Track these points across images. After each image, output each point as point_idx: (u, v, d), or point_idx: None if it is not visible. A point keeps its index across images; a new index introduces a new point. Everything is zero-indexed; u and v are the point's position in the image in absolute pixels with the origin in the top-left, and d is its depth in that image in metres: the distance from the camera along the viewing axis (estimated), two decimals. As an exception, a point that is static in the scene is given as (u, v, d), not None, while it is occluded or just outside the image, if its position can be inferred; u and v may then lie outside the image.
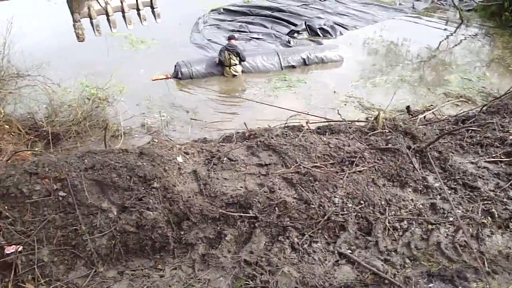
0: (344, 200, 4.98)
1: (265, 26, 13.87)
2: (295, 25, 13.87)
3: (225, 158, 5.10)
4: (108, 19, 7.88)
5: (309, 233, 4.60)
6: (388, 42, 14.01)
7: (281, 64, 11.43)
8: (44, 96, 8.52)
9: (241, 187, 4.78)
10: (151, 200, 4.37)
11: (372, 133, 6.58)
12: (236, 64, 10.93)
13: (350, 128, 6.30)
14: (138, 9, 7.92)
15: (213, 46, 12.45)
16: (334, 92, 10.43)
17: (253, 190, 4.69)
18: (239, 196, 4.56)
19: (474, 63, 12.78)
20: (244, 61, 10.99)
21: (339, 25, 14.39)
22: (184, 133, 8.52)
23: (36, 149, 6.94)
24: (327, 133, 6.01)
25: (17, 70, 8.05)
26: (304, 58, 11.64)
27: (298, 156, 5.25)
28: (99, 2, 7.64)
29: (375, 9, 16.49)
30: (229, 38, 11.13)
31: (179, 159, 4.85)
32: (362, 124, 7.59)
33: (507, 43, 14.34)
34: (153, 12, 8.10)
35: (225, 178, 4.84)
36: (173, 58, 11.35)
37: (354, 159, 5.48)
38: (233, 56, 10.79)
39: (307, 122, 6.78)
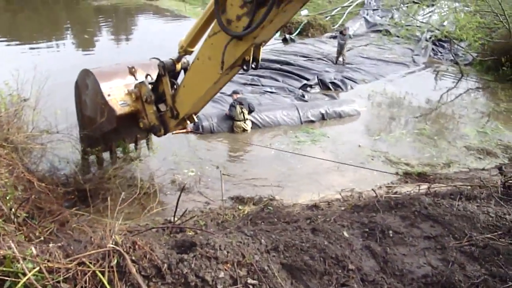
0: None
1: (276, 80, 14.40)
2: (306, 79, 14.48)
3: (391, 231, 5.11)
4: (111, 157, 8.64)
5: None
6: (398, 96, 14.74)
7: (300, 118, 11.82)
8: (69, 152, 8.47)
9: (425, 263, 4.72)
10: (355, 285, 4.20)
11: None
12: (247, 119, 11.21)
13: (481, 194, 6.37)
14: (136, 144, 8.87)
15: (226, 99, 12.74)
16: (359, 146, 10.81)
17: (442, 269, 4.60)
18: (436, 275, 4.48)
19: (483, 116, 13.50)
20: (253, 111, 11.28)
21: (349, 79, 15.03)
22: (217, 190, 8.54)
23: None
24: (462, 199, 6.10)
25: (48, 125, 8.05)
26: (322, 113, 12.10)
27: (464, 227, 5.28)
28: None
29: (379, 63, 17.40)
30: (234, 93, 11.51)
31: (345, 233, 4.87)
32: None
33: (510, 96, 15.32)
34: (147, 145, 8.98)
35: (403, 254, 4.80)
36: (188, 112, 11.59)
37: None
38: (245, 110, 11.07)
39: (428, 187, 6.90)
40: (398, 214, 5.63)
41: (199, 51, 5.74)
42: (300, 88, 14.03)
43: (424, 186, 7.28)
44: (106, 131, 7.38)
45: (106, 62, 16.27)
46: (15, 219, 5.19)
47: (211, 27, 5.35)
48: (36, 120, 7.92)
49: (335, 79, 14.74)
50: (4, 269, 3.15)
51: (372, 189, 7.54)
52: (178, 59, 6.41)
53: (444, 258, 4.77)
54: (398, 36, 20.65)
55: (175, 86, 6.53)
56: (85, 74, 7.26)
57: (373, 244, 4.88)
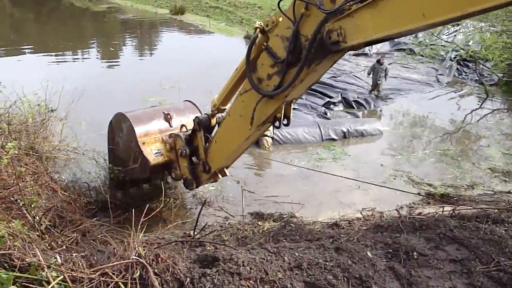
0: None
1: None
2: (329, 96, 14.45)
3: (415, 253, 5.07)
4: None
5: None
6: (422, 116, 14.63)
7: (322, 136, 11.79)
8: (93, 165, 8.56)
9: (450, 287, 4.67)
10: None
11: None
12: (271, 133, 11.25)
13: (509, 217, 6.25)
14: None
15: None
16: (381, 165, 10.72)
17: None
18: None
19: (509, 137, 13.27)
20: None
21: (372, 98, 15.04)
22: (237, 205, 8.54)
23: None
24: (489, 222, 5.99)
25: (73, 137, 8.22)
26: (344, 131, 12.06)
27: (491, 251, 5.21)
28: None
29: (403, 82, 17.34)
30: None
31: (369, 253, 4.87)
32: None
33: (537, 118, 15.06)
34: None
35: (428, 277, 4.75)
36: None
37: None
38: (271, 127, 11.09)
39: (453, 209, 6.85)
40: (422, 235, 5.55)
41: (230, 108, 5.84)
42: (323, 105, 14.03)
43: (447, 208, 7.17)
44: (138, 177, 7.48)
45: (130, 75, 16.70)
46: (39, 227, 5.27)
47: (242, 85, 5.45)
48: (61, 130, 8.14)
49: (358, 97, 14.71)
50: (29, 276, 3.19)
51: (396, 209, 7.46)
52: (213, 115, 6.48)
53: (470, 282, 4.69)
54: (422, 55, 20.55)
55: (209, 140, 6.59)
56: (121, 118, 7.31)
57: (397, 265, 4.83)
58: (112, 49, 22.77)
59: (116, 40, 25.02)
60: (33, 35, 25.36)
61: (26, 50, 20.67)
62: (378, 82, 15.67)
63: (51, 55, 19.87)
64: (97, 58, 21.08)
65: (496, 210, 6.65)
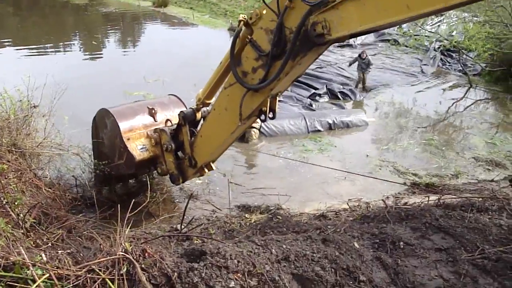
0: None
1: (284, 88, 14.40)
2: (315, 88, 14.47)
3: (401, 243, 5.11)
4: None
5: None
6: (406, 106, 14.78)
7: (307, 128, 11.83)
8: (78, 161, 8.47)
9: (436, 276, 4.69)
10: (367, 296, 4.26)
11: None
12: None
13: (493, 206, 6.36)
14: None
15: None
16: (367, 156, 10.79)
17: (454, 282, 4.59)
18: None
19: (492, 127, 13.46)
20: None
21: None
22: (224, 198, 8.55)
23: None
24: (474, 211, 6.08)
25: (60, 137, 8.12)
26: (330, 123, 12.10)
27: (476, 239, 5.26)
28: None
29: (387, 73, 17.46)
30: None
31: (356, 244, 4.89)
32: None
33: (520, 107, 15.28)
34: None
35: (415, 266, 4.78)
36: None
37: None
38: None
39: (439, 199, 6.92)
40: (408, 225, 5.61)
41: (215, 102, 5.80)
42: (308, 97, 14.08)
43: (433, 197, 7.25)
44: (123, 173, 7.41)
45: (114, 69, 16.55)
46: (23, 225, 5.21)
47: (227, 79, 5.42)
48: (45, 127, 8.02)
49: (344, 88, 14.77)
50: (13, 275, 3.16)
51: (382, 200, 7.52)
52: (198, 109, 6.43)
53: (456, 270, 4.74)
54: (406, 46, 20.67)
55: (195, 134, 6.54)
56: (105, 114, 7.22)
57: (383, 256, 4.87)
58: (95, 42, 22.53)
59: (99, 33, 24.76)
60: (13, 28, 24.99)
61: (6, 44, 20.38)
62: (362, 76, 15.79)
63: (32, 49, 19.60)
64: (80, 51, 20.85)
65: (480, 199, 6.74)
